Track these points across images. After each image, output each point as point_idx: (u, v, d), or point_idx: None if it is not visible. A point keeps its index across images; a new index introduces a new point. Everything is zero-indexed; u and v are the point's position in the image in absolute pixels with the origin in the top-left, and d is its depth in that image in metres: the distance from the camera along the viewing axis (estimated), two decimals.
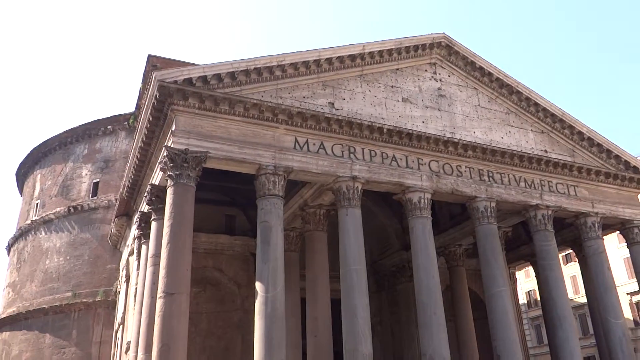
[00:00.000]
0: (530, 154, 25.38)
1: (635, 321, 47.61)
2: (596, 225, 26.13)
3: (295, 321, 23.35)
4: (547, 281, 24.43)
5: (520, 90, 26.74)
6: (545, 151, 26.59)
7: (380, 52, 23.82)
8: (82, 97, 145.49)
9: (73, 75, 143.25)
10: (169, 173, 18.79)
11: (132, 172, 24.81)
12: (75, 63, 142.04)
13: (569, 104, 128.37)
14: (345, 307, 19.73)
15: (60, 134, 43.90)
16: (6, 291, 44.06)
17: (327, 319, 22.24)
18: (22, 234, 44.00)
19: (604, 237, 27.17)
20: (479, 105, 26.04)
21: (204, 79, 19.46)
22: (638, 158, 31.25)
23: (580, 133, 27.43)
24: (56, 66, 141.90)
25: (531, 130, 26.94)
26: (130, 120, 38.58)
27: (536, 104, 27.01)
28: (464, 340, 28.24)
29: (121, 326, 30.20)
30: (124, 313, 29.67)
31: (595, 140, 27.52)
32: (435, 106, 24.76)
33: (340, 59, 22.65)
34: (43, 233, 41.38)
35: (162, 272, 17.83)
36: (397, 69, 24.61)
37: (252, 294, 20.30)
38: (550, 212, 25.15)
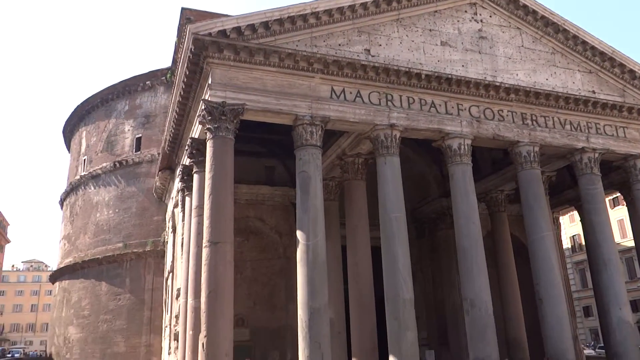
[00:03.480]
0: (576, 95, 24.33)
1: None
2: None
3: (336, 268, 23.90)
4: (593, 225, 23.94)
5: (566, 28, 25.34)
6: (593, 92, 25.41)
7: None
8: (120, 53, 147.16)
9: (111, 32, 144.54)
10: (207, 126, 19.05)
11: (172, 126, 25.26)
12: (113, 19, 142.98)
13: (619, 43, 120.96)
14: (386, 255, 20.00)
15: (101, 91, 44.89)
16: (62, 243, 46.69)
17: (367, 265, 22.64)
18: (73, 188, 46.05)
19: None
20: (522, 46, 24.90)
21: (237, 30, 19.28)
22: None
23: (631, 71, 25.98)
24: (95, 23, 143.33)
25: (578, 70, 25.69)
26: (168, 75, 38.95)
27: (584, 43, 25.61)
28: (505, 285, 28.29)
29: (170, 274, 31.66)
30: (172, 262, 31.02)
31: None
32: (476, 49, 23.85)
33: (376, 3, 21.92)
34: (92, 187, 43.17)
35: (206, 222, 18.42)
36: (435, 11, 23.66)
37: (294, 243, 20.81)
38: (597, 155, 24.32)
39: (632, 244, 34.29)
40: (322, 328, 17.77)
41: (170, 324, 29.43)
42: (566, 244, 56.71)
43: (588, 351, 41.85)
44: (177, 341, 24.84)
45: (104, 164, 42.49)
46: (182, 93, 21.95)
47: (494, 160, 29.50)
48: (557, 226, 36.64)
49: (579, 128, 24.43)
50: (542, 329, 21.66)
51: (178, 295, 25.90)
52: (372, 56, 21.54)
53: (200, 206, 20.50)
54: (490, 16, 24.78)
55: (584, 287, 56.74)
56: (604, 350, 28.81)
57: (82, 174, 44.76)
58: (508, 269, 28.54)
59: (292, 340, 22.41)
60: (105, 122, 44.23)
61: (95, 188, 42.92)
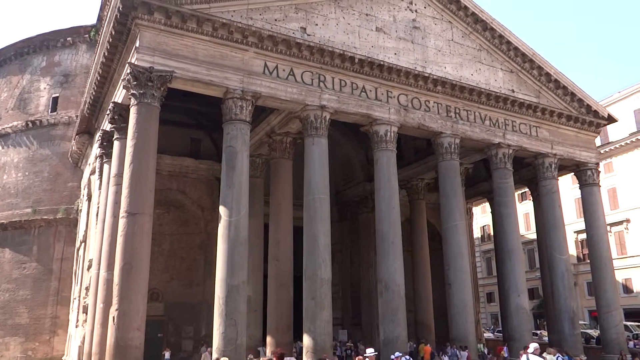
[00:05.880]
0: (497, 92, 25.62)
1: (578, 257, 50.67)
2: (553, 166, 27.08)
3: (257, 246, 23.92)
4: (501, 217, 25.50)
5: (494, 27, 26.52)
6: (513, 91, 26.86)
7: None
8: (39, 4, 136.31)
9: None
10: (132, 91, 18.19)
11: (94, 88, 23.90)
12: None
13: (540, 45, 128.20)
14: (307, 234, 20.22)
15: (15, 43, 41.42)
16: None
17: (289, 244, 22.82)
18: None
19: (559, 178, 28.25)
20: (452, 40, 25.78)
21: None
22: (600, 103, 31.98)
23: (548, 75, 27.71)
24: None
25: (501, 69, 27.02)
26: (92, 33, 36.71)
27: (508, 42, 26.94)
28: (419, 270, 29.65)
29: (83, 244, 30.24)
30: (85, 231, 29.62)
31: (561, 82, 27.90)
32: (409, 38, 24.39)
33: None
34: (0, 147, 40.04)
35: (124, 192, 17.70)
36: None
37: (216, 218, 20.47)
38: (511, 151, 25.82)
39: (534, 236, 36.90)
40: (239, 305, 17.76)
41: (79, 296, 28.18)
42: (477, 233, 60.07)
43: (488, 334, 44.83)
44: (86, 314, 23.87)
45: (15, 123, 39.43)
46: (106, 54, 20.77)
47: (417, 149, 30.54)
48: (470, 216, 38.67)
49: (497, 124, 25.77)
50: (449, 311, 22.94)
51: (90, 267, 24.82)
52: (308, 35, 21.45)
53: (120, 175, 19.66)
54: (425, 7, 25.39)
55: (489, 275, 60.55)
56: (501, 334, 30.98)
57: None
58: (422, 254, 29.89)
59: (208, 317, 22.21)
60: (19, 77, 40.96)
61: (3, 148, 39.79)
